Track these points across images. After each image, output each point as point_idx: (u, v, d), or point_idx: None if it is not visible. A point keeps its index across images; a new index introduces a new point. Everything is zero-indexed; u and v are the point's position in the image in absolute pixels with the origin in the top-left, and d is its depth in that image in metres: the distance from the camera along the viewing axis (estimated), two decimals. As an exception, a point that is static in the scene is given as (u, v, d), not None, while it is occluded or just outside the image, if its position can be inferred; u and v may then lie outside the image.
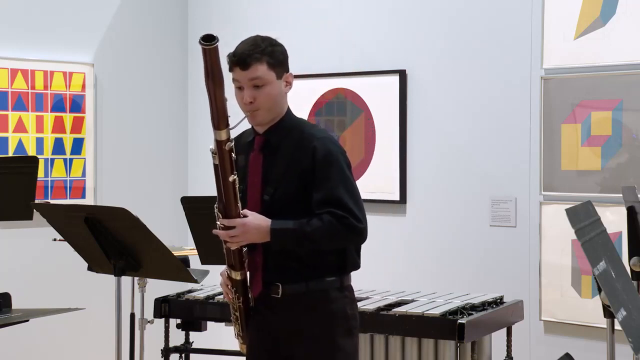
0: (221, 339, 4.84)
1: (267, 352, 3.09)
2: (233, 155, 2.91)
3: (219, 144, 2.90)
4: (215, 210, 2.98)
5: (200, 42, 2.79)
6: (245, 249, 3.02)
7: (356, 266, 3.11)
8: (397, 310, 3.80)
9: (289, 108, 3.11)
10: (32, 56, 5.29)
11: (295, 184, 2.99)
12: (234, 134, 3.05)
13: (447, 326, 3.66)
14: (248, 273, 3.08)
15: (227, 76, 3.02)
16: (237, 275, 3.03)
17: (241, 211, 2.96)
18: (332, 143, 3.03)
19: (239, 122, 2.95)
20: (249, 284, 3.08)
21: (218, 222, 2.98)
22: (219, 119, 2.88)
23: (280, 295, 3.01)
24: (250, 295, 3.08)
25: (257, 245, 3.01)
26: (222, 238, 2.98)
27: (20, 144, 5.22)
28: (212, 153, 2.93)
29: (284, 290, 3.01)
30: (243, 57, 2.97)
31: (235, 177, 2.91)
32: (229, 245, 2.97)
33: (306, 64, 5.27)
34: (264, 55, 2.97)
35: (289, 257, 3.01)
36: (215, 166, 2.93)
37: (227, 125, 2.88)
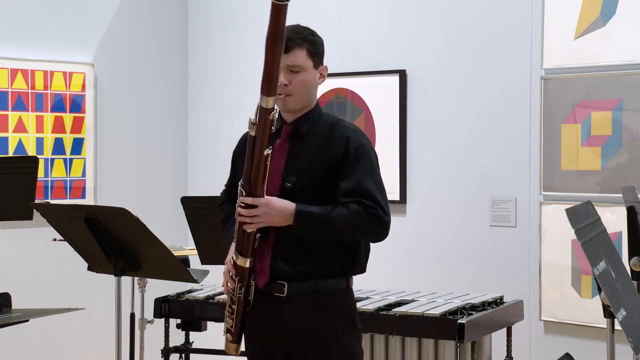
0: (221, 339, 4.84)
1: (269, 350, 3.04)
2: (273, 128, 2.84)
3: (264, 111, 2.81)
4: (239, 187, 2.90)
5: None
6: (258, 235, 2.95)
7: (362, 270, 3.08)
8: (397, 310, 3.80)
9: (318, 101, 3.10)
10: (32, 56, 5.29)
11: (320, 173, 2.96)
12: None
13: (447, 326, 3.66)
14: (255, 264, 3.00)
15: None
16: (244, 262, 2.95)
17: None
18: (365, 137, 3.03)
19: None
20: (254, 275, 3.00)
21: (239, 201, 2.90)
22: (271, 84, 2.79)
23: (285, 294, 2.96)
24: (251, 289, 3.01)
25: (270, 235, 2.96)
26: (242, 219, 2.89)
27: (20, 144, 5.22)
28: (251, 123, 2.84)
29: (289, 289, 2.96)
30: (285, 41, 2.93)
31: (269, 151, 2.84)
32: (247, 226, 2.89)
33: (306, 64, 5.26)
34: (305, 42, 3.00)
35: (300, 250, 2.96)
36: (252, 138, 2.85)
37: (275, 93, 2.81)
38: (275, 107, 2.84)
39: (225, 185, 3.26)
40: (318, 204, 2.93)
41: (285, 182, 2.98)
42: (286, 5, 2.74)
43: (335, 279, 3.01)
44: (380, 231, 2.96)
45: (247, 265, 2.96)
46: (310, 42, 3.02)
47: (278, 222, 2.92)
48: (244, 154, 2.94)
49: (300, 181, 2.97)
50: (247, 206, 2.88)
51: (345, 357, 3.01)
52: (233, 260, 2.99)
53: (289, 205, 2.91)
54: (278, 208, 2.89)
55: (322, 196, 2.94)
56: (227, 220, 3.19)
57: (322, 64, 3.08)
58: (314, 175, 2.97)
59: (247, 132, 2.96)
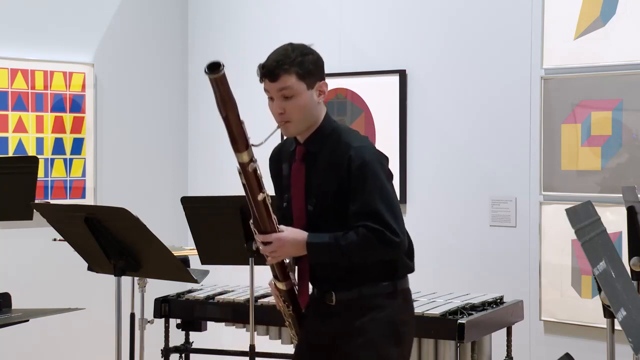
0: (221, 339, 4.85)
1: (314, 355, 3.05)
2: (259, 172, 2.83)
3: (242, 166, 2.81)
4: (252, 227, 2.93)
5: (205, 72, 2.66)
6: (287, 261, 2.99)
7: (409, 269, 3.05)
8: (397, 310, 3.80)
9: (327, 115, 3.02)
10: (32, 56, 5.29)
11: (333, 193, 2.93)
12: (275, 141, 3.04)
13: (447, 326, 3.66)
14: (297, 282, 3.05)
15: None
16: (282, 286, 3.01)
17: (278, 226, 2.90)
18: (369, 152, 2.94)
19: (271, 134, 2.87)
20: (297, 294, 3.05)
21: (255, 237, 2.95)
22: (238, 142, 2.77)
23: (334, 302, 2.98)
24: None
25: (304, 256, 2.97)
26: (262, 252, 2.94)
27: (20, 144, 5.22)
28: (239, 172, 2.85)
29: (337, 297, 2.97)
30: (271, 69, 2.89)
31: (264, 195, 2.85)
32: (268, 260, 2.95)
33: (306, 64, 5.26)
34: (292, 66, 2.88)
35: (336, 266, 2.95)
36: (244, 185, 2.86)
37: (247, 146, 2.79)
38: (254, 157, 2.81)
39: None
40: (342, 223, 2.90)
41: (308, 205, 2.98)
42: (222, 76, 2.67)
43: (380, 283, 2.98)
44: (392, 252, 2.93)
45: (285, 287, 3.02)
46: (299, 64, 2.89)
47: (294, 253, 2.95)
48: (276, 170, 3.03)
49: (319, 203, 2.96)
50: (263, 242, 2.91)
51: None
52: (275, 283, 3.05)
53: (300, 237, 2.91)
54: (290, 242, 2.91)
55: (343, 216, 2.92)
56: None
57: (321, 80, 2.97)
58: (329, 196, 2.95)
59: (275, 148, 3.10)
